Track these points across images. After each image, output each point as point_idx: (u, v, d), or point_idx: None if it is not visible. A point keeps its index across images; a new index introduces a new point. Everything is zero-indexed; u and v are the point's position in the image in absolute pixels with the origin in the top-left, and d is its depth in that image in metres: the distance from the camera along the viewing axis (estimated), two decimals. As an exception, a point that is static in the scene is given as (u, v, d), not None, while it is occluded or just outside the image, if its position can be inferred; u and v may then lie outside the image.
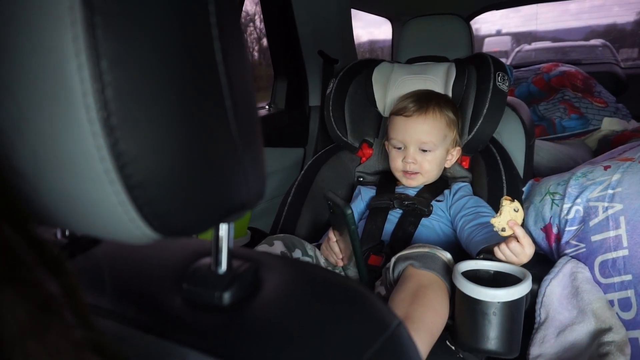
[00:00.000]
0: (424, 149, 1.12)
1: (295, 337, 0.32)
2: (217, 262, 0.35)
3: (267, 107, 1.83)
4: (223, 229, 0.35)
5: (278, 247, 0.98)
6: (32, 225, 0.25)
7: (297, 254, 1.00)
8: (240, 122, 0.28)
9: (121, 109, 0.22)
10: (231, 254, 0.36)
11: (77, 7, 0.21)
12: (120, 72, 0.22)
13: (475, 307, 0.73)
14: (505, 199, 0.80)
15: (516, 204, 0.79)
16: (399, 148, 1.15)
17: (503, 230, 0.79)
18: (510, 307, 0.73)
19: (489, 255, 0.85)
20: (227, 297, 0.34)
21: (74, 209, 0.26)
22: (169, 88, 0.24)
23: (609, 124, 2.38)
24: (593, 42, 5.53)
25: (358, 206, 1.22)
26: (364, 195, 1.24)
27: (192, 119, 0.25)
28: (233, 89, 0.27)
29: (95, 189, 0.24)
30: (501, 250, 0.79)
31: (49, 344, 0.21)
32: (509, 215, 0.78)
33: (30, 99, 0.23)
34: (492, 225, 0.80)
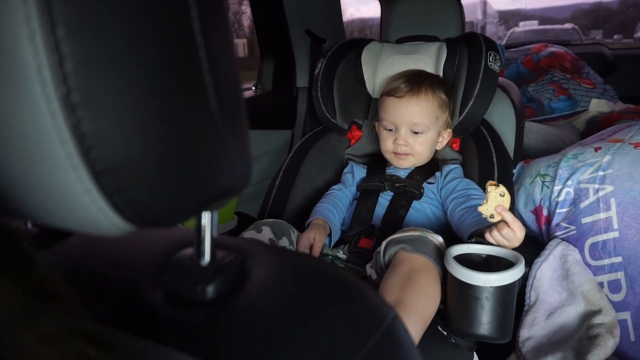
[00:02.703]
0: (415, 131, 1.10)
1: (285, 333, 0.29)
2: (200, 253, 0.33)
3: (253, 88, 1.79)
4: (206, 217, 0.32)
5: (266, 233, 0.95)
6: None
7: (284, 242, 0.98)
8: (222, 100, 0.25)
9: (83, 84, 0.20)
10: (215, 244, 0.33)
11: None
12: (80, 41, 0.19)
13: (468, 291, 0.72)
14: (490, 185, 0.78)
15: (502, 188, 0.78)
16: (390, 129, 1.12)
17: (492, 217, 0.78)
18: (503, 291, 0.72)
19: (480, 238, 0.84)
20: (210, 290, 0.32)
21: (36, 198, 0.23)
22: (138, 60, 0.21)
23: (597, 106, 2.38)
24: (566, 25, 6.92)
25: (348, 183, 1.19)
26: (356, 174, 1.21)
27: (166, 95, 0.22)
28: (213, 63, 0.24)
29: (56, 176, 0.21)
30: (492, 236, 0.78)
31: (40, 331, 0.20)
32: (495, 201, 0.77)
33: None
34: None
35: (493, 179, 1.11)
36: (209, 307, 0.31)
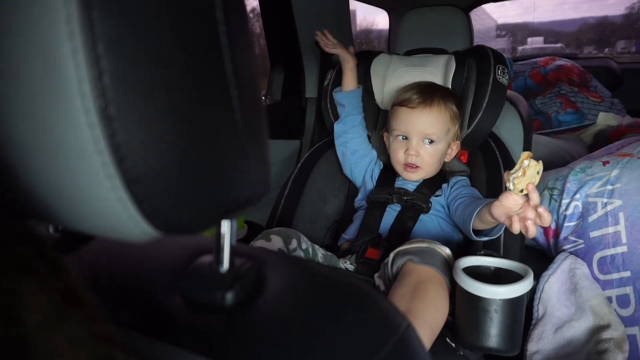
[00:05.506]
0: (427, 142, 1.10)
1: (302, 339, 0.30)
2: (219, 260, 0.34)
3: (262, 97, 1.81)
4: (225, 225, 0.33)
5: (276, 242, 0.96)
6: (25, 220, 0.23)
7: (294, 244, 0.98)
8: (246, 113, 0.26)
9: (120, 97, 0.21)
10: (233, 252, 0.34)
11: None
12: (118, 57, 0.20)
13: (477, 304, 0.72)
14: (529, 156, 0.69)
15: (540, 165, 0.69)
16: (402, 139, 1.13)
17: (521, 190, 0.69)
18: (513, 304, 0.72)
19: (489, 251, 0.84)
20: (229, 297, 0.32)
21: (68, 204, 0.24)
22: (171, 75, 0.22)
23: (605, 119, 2.38)
24: (557, 45, 8.66)
25: (373, 172, 1.23)
26: (375, 171, 1.23)
27: (195, 108, 0.23)
28: (239, 76, 0.25)
29: (91, 184, 0.22)
30: (513, 229, 0.72)
31: (68, 334, 0.21)
32: (531, 177, 0.68)
33: (19, 86, 0.21)
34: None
35: (501, 192, 1.11)
36: (228, 313, 0.32)
